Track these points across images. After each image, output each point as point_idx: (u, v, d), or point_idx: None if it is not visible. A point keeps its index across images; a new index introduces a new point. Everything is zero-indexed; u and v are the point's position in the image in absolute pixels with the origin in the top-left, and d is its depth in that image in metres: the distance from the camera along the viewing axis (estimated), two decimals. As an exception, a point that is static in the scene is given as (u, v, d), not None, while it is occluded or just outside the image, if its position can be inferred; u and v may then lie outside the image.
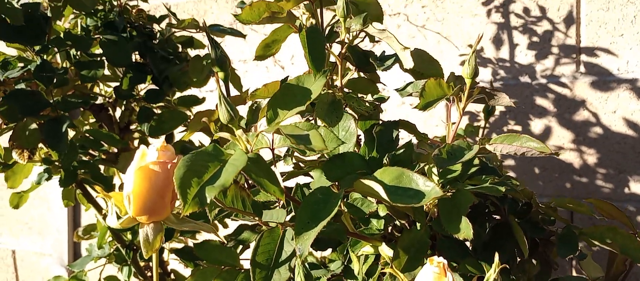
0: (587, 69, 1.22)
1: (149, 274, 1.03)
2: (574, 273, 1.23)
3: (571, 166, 1.26)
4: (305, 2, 0.65)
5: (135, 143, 1.04)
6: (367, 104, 0.65)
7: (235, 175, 0.48)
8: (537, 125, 1.27)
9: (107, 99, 1.00)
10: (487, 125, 1.32)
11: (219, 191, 0.47)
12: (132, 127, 1.04)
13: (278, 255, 0.56)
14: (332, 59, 0.69)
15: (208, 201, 0.46)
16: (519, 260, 0.63)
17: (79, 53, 0.89)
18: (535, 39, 1.25)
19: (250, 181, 0.68)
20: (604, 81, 1.21)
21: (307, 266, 0.58)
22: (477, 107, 1.28)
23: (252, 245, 0.56)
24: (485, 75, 1.30)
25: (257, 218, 0.57)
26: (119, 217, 0.52)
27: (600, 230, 0.60)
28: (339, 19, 0.64)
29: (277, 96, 0.60)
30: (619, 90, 1.19)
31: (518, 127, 1.31)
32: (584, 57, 1.21)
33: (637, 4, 1.15)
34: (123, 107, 1.01)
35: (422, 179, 0.52)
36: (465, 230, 0.51)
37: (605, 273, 0.66)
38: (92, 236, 1.06)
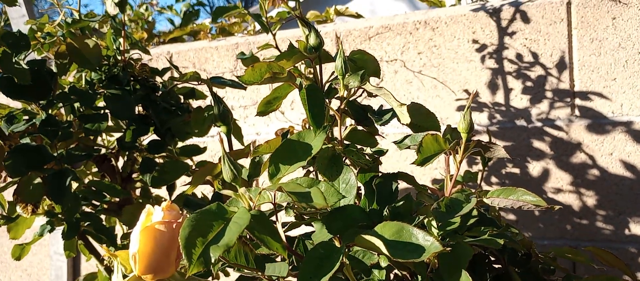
0: (582, 113, 1.24)
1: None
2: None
3: (571, 208, 1.26)
4: (305, 60, 0.67)
5: (137, 192, 1.05)
6: (366, 156, 0.67)
7: (239, 234, 0.49)
8: (535, 168, 1.28)
9: (109, 149, 1.01)
10: (486, 169, 1.34)
11: (224, 250, 0.47)
12: (134, 176, 1.06)
13: (281, 310, 0.57)
14: (332, 112, 0.71)
15: (213, 260, 0.47)
16: (520, 310, 0.63)
17: (83, 107, 0.91)
18: (529, 83, 1.28)
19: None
20: (599, 124, 1.23)
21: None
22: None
23: (255, 300, 0.56)
24: (482, 119, 1.32)
25: (260, 273, 0.58)
26: (124, 275, 0.52)
27: (600, 279, 0.61)
28: (337, 76, 0.67)
29: (278, 152, 0.62)
30: (614, 133, 1.21)
31: (516, 170, 1.33)
32: (578, 101, 1.24)
33: (628, 49, 1.18)
34: (125, 158, 1.02)
35: (421, 234, 0.53)
36: (466, 284, 0.52)
37: (606, 322, 0.67)
38: (93, 286, 1.05)
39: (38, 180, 0.84)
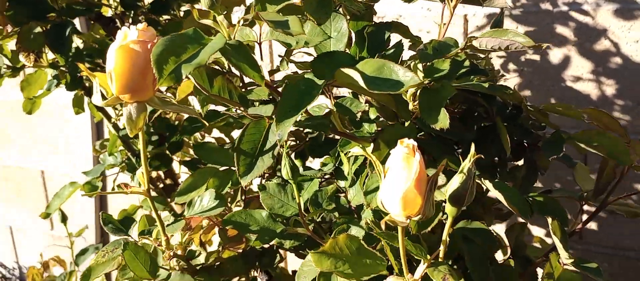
0: (611, -5, 1.16)
1: (160, 185, 1.06)
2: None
3: (589, 97, 1.22)
4: None
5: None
6: (359, 3, 0.64)
7: (211, 55, 0.48)
8: (556, 54, 1.23)
9: (115, 11, 1.01)
10: (505, 54, 1.29)
11: (195, 68, 0.47)
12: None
13: (263, 144, 0.58)
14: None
15: (183, 77, 0.47)
16: (506, 164, 0.62)
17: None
18: (558, -38, 1.20)
19: (243, 83, 0.69)
20: (629, 8, 1.15)
21: (292, 157, 0.60)
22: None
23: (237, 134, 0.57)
24: (505, 1, 1.26)
25: (242, 108, 0.58)
26: (104, 97, 0.53)
27: (589, 134, 0.59)
28: None
29: (266, -10, 0.60)
30: (643, 18, 1.14)
31: (536, 57, 1.28)
32: (608, -18, 1.16)
33: None
34: (130, 21, 1.02)
35: (402, 70, 0.52)
36: (443, 120, 0.51)
37: (595, 182, 0.66)
38: (109, 148, 1.09)
39: (38, 29, 0.85)
